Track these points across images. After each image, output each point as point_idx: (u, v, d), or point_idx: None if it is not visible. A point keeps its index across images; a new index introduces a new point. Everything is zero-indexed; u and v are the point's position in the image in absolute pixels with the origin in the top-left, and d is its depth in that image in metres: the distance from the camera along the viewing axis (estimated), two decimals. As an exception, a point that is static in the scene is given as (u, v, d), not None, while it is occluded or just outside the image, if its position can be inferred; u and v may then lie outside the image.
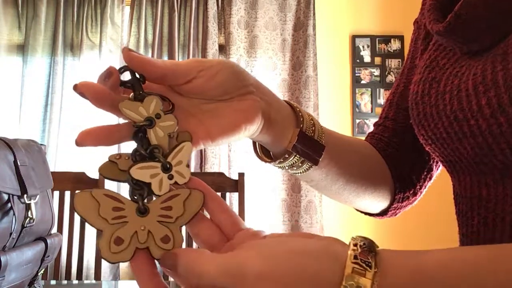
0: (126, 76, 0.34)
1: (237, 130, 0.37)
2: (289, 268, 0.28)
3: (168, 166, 0.32)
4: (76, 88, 0.32)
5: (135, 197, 0.32)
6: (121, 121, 0.35)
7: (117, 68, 0.34)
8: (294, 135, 0.41)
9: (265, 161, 0.45)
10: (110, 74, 0.33)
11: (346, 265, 0.28)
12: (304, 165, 0.44)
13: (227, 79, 0.36)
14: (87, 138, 0.32)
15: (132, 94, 0.34)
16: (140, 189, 0.32)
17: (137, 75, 0.34)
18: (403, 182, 0.56)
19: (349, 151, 0.51)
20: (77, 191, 0.31)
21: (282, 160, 0.43)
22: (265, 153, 0.46)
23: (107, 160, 0.33)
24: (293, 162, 0.43)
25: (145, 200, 0.32)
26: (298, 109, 0.43)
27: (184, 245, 0.34)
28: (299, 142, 0.41)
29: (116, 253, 0.30)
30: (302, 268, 0.28)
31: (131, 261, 0.31)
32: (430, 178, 0.58)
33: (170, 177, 0.32)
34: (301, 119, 0.42)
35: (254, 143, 0.46)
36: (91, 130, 0.33)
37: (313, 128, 0.43)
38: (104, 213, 0.30)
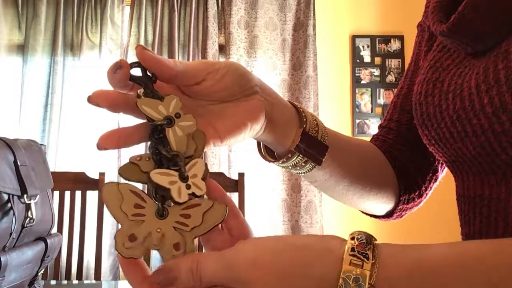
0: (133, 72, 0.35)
1: (244, 129, 0.37)
2: (283, 258, 0.28)
3: (186, 175, 0.32)
4: (90, 100, 0.32)
5: (157, 197, 0.32)
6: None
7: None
8: (297, 135, 0.42)
9: (269, 161, 0.45)
10: (120, 67, 0.33)
11: (344, 258, 0.28)
12: (308, 165, 0.44)
13: (234, 81, 0.37)
14: (108, 141, 0.33)
15: (140, 90, 0.34)
16: (164, 190, 0.32)
17: (149, 74, 0.34)
18: (408, 184, 0.56)
19: (353, 152, 0.51)
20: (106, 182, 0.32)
21: (285, 159, 0.43)
22: (269, 153, 0.46)
23: (128, 161, 0.33)
24: (296, 162, 0.43)
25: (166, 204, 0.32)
26: (301, 110, 0.43)
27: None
28: (302, 142, 0.42)
29: (129, 248, 0.30)
30: (296, 258, 0.28)
31: (122, 264, 0.31)
32: (436, 180, 0.57)
33: (188, 187, 0.32)
34: (305, 119, 0.43)
35: (258, 143, 0.46)
36: (111, 133, 0.33)
37: (317, 128, 0.43)
38: (125, 208, 0.31)
